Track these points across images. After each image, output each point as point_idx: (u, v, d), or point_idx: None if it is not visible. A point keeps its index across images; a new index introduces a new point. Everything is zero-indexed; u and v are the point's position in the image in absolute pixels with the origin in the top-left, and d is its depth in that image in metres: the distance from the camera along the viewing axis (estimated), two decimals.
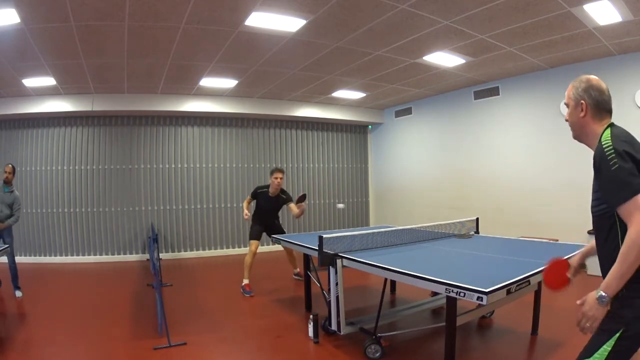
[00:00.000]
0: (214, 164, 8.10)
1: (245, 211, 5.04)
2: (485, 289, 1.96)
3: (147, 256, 7.26)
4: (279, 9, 3.85)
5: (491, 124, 6.87)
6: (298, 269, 5.57)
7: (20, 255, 6.70)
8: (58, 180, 7.26)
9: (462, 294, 2.05)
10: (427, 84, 6.90)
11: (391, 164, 9.11)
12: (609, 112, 1.52)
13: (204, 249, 7.96)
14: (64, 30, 4.11)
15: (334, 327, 3.14)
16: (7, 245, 4.25)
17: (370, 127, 9.67)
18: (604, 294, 1.34)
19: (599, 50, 5.07)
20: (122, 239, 7.47)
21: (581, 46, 4.93)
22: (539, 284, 3.19)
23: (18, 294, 4.81)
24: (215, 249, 8.04)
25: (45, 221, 7.19)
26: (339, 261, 3.04)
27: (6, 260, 4.83)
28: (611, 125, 1.49)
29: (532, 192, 6.18)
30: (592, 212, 1.51)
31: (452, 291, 2.10)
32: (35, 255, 7.11)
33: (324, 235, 3.22)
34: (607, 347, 1.34)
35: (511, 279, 2.13)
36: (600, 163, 1.40)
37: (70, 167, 7.30)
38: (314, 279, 3.99)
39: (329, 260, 3.06)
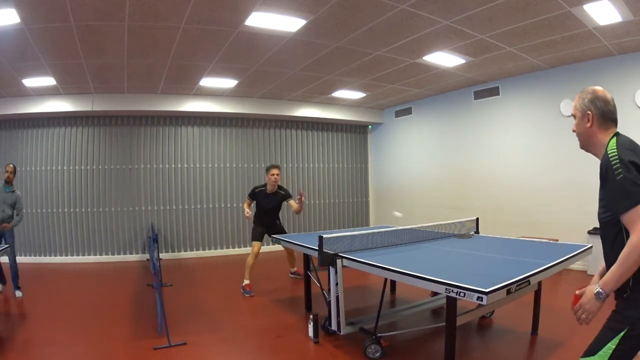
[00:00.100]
0: (214, 164, 8.10)
1: (247, 210, 5.02)
2: (485, 289, 1.97)
3: (147, 256, 7.26)
4: (279, 9, 3.85)
5: (491, 124, 6.87)
6: (296, 268, 5.58)
7: (21, 255, 6.69)
8: (58, 180, 7.26)
9: (462, 294, 2.05)
10: (427, 84, 6.90)
11: (391, 164, 9.11)
12: (614, 121, 1.58)
13: (204, 249, 7.96)
14: (64, 30, 4.11)
15: (334, 327, 3.14)
16: (7, 245, 4.26)
17: (370, 127, 9.67)
18: (601, 290, 1.40)
19: (599, 50, 5.07)
20: (122, 239, 7.47)
21: (581, 46, 4.93)
22: (539, 284, 3.20)
23: (18, 294, 4.81)
24: (215, 249, 8.04)
25: (45, 221, 7.20)
26: (339, 261, 3.04)
27: (7, 260, 4.84)
28: (617, 134, 1.55)
29: (532, 192, 6.18)
30: (599, 219, 1.57)
31: (452, 291, 2.10)
32: (35, 255, 7.11)
33: (324, 235, 3.21)
34: (611, 345, 1.39)
35: (511, 279, 2.13)
36: (606, 172, 1.46)
37: (70, 167, 7.30)
38: (314, 279, 3.99)
39: (329, 260, 3.06)
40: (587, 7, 3.81)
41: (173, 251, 7.74)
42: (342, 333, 3.12)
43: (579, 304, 1.47)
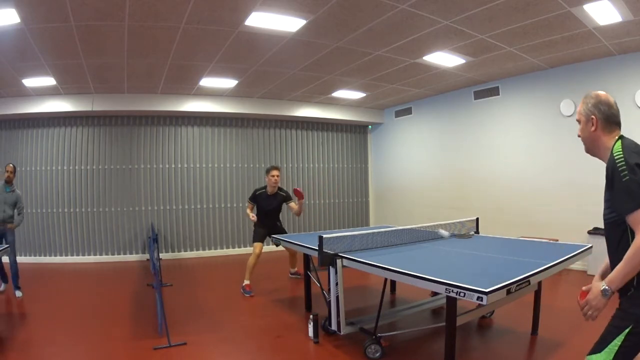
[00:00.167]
0: (214, 164, 8.10)
1: (251, 214, 5.01)
2: (485, 289, 1.96)
3: (147, 256, 7.27)
4: (279, 9, 3.85)
5: (491, 124, 6.87)
6: (296, 269, 5.59)
7: (21, 255, 6.69)
8: (58, 180, 7.26)
9: (462, 294, 2.05)
10: (427, 84, 6.90)
11: (391, 164, 9.12)
12: (618, 124, 1.61)
13: (204, 249, 7.96)
14: (64, 30, 4.11)
15: (334, 327, 3.14)
16: (7, 245, 4.27)
17: (370, 127, 9.67)
18: (607, 287, 1.44)
19: (599, 50, 5.07)
20: (122, 239, 7.47)
21: (581, 46, 4.93)
22: (539, 284, 3.20)
23: (18, 294, 4.81)
24: (215, 249, 8.04)
25: (45, 221, 7.20)
26: (339, 261, 3.03)
27: (7, 260, 4.85)
28: (621, 137, 1.59)
29: (532, 192, 6.18)
30: (604, 220, 1.60)
31: (452, 291, 2.10)
32: (35, 255, 7.11)
33: (324, 235, 3.21)
34: (617, 342, 1.43)
35: (511, 279, 2.13)
36: (612, 174, 1.49)
37: (70, 167, 7.30)
38: (314, 279, 3.99)
39: (329, 260, 3.06)
40: (587, 7, 3.81)
41: (173, 251, 7.74)
42: (342, 333, 3.12)
43: (585, 301, 1.51)
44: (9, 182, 4.88)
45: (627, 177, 1.43)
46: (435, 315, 3.97)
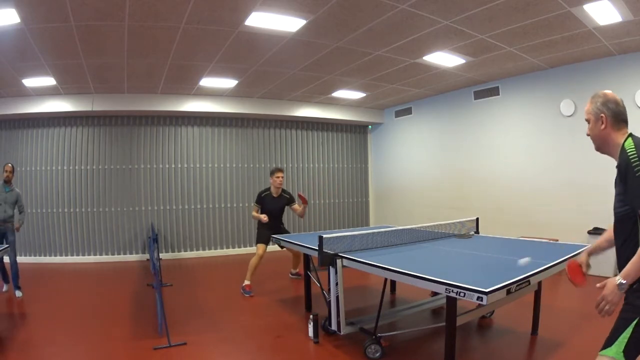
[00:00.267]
0: (214, 164, 8.10)
1: (262, 215, 4.97)
2: (485, 289, 1.97)
3: (147, 256, 7.27)
4: (279, 9, 3.85)
5: (491, 124, 6.87)
6: (297, 270, 5.59)
7: (21, 255, 6.69)
8: (58, 180, 7.26)
9: (462, 294, 2.05)
10: (427, 84, 6.90)
11: (391, 164, 9.11)
12: (625, 122, 1.67)
13: (204, 249, 7.96)
14: (64, 30, 4.11)
15: (334, 327, 3.14)
16: (7, 245, 4.27)
17: (370, 127, 9.67)
18: (623, 281, 1.49)
19: (599, 50, 5.07)
20: (122, 239, 7.47)
21: (581, 46, 4.93)
22: (539, 284, 3.20)
23: (18, 294, 4.81)
24: (215, 249, 8.04)
25: (45, 221, 7.20)
26: (339, 261, 3.04)
27: (8, 260, 4.86)
28: (631, 134, 1.64)
29: (532, 192, 6.18)
30: (615, 213, 1.65)
31: (452, 291, 2.10)
32: (35, 255, 7.12)
33: (324, 235, 3.22)
34: (625, 335, 1.48)
35: (511, 279, 2.13)
36: (626, 170, 1.55)
37: (70, 167, 7.30)
38: (314, 279, 3.99)
39: (329, 260, 3.06)
40: (587, 7, 3.81)
41: (173, 251, 7.74)
42: (342, 333, 3.12)
43: (601, 297, 1.53)
44: (7, 181, 4.89)
45: None
46: (435, 315, 3.97)
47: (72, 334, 3.57)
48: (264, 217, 4.94)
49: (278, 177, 5.01)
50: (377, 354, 2.96)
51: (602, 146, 1.71)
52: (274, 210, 5.08)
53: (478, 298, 1.96)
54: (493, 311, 3.72)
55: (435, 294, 3.84)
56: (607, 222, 5.26)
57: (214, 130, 8.12)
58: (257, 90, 7.16)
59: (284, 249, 4.79)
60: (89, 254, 7.30)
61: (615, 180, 1.64)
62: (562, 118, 5.80)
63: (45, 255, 7.15)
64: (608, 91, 1.69)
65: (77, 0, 3.51)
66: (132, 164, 7.56)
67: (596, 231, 5.17)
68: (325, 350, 3.18)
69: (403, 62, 5.60)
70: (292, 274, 5.75)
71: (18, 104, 6.66)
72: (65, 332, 3.62)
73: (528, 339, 3.29)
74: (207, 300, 4.67)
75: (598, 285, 1.59)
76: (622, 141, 1.61)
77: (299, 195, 5.04)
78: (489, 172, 6.87)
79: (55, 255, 7.19)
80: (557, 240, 4.85)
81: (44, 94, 6.62)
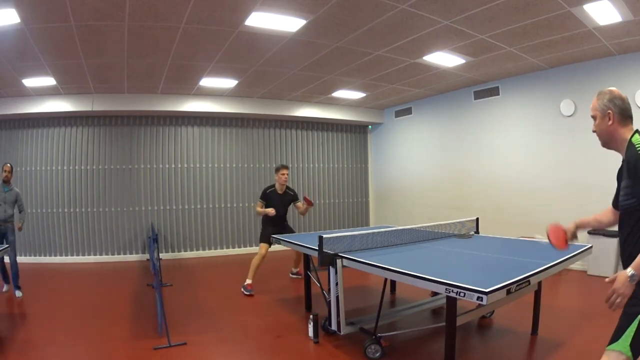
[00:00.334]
0: (214, 164, 8.10)
1: (268, 209, 4.96)
2: (485, 289, 1.97)
3: (147, 256, 7.27)
4: (279, 9, 3.85)
5: (491, 124, 6.87)
6: (298, 269, 5.59)
7: (21, 255, 6.69)
8: (58, 180, 7.26)
9: (462, 294, 2.05)
10: (427, 84, 6.90)
11: (391, 164, 9.11)
12: (630, 118, 1.70)
13: (204, 249, 7.96)
14: (64, 30, 4.11)
15: (334, 327, 3.14)
16: (7, 245, 4.27)
17: (370, 127, 9.67)
18: (635, 273, 1.50)
19: (599, 50, 5.07)
20: (122, 239, 7.47)
21: (581, 46, 4.93)
22: (539, 284, 3.20)
23: (18, 293, 4.81)
24: (215, 249, 8.04)
25: (45, 221, 7.20)
26: (339, 261, 3.03)
27: (8, 260, 4.86)
28: (637, 130, 1.68)
29: (532, 192, 6.18)
30: (621, 206, 1.69)
31: (452, 291, 2.10)
32: (35, 255, 7.11)
33: (324, 235, 3.21)
34: (632, 328, 1.51)
35: (511, 279, 2.13)
36: (635, 164, 1.58)
37: (70, 167, 7.30)
38: (314, 279, 3.99)
39: (329, 260, 3.06)
40: (587, 7, 3.81)
41: (173, 251, 7.74)
42: (342, 333, 3.12)
43: (612, 290, 1.53)
44: (6, 181, 4.90)
45: None
46: (435, 315, 3.97)
47: (72, 334, 3.57)
48: (272, 210, 4.95)
49: (283, 174, 5.07)
50: (377, 354, 2.96)
51: (609, 142, 1.73)
52: (278, 206, 5.11)
53: (478, 298, 1.96)
54: (493, 311, 3.72)
55: (435, 294, 3.84)
56: None
57: (214, 130, 8.12)
58: (257, 90, 7.16)
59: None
60: (89, 254, 7.30)
61: (621, 174, 1.68)
62: (562, 118, 5.80)
63: (45, 255, 7.15)
64: (613, 88, 1.72)
65: (77, 0, 3.51)
66: (132, 164, 7.56)
67: (596, 231, 5.17)
68: (325, 350, 3.18)
69: (403, 62, 5.60)
70: (292, 274, 5.75)
71: (18, 104, 6.66)
72: (65, 332, 3.62)
73: (528, 339, 3.29)
74: (207, 300, 4.67)
75: (607, 279, 1.61)
76: (629, 137, 1.65)
77: (305, 198, 5.10)
78: (489, 172, 6.87)
79: (55, 255, 7.19)
80: None
81: (44, 94, 6.62)
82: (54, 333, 3.59)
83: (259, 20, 4.08)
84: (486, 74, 6.31)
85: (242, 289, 4.87)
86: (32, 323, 3.90)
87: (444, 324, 2.50)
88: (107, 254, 7.38)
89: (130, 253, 7.50)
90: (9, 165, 4.99)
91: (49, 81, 5.91)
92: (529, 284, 2.25)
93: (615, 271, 1.46)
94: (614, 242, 4.97)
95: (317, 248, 3.13)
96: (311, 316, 3.39)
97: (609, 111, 1.68)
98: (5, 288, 5.04)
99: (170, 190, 7.76)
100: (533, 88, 6.20)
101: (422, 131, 8.26)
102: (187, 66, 5.63)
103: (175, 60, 5.28)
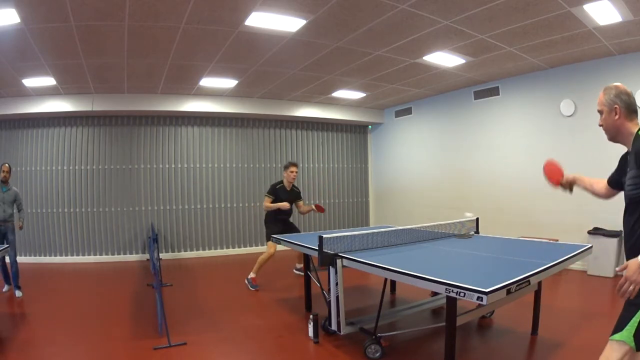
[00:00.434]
0: (214, 164, 8.10)
1: (281, 204, 5.00)
2: (485, 289, 1.96)
3: (147, 256, 7.27)
4: (279, 9, 3.85)
5: (491, 124, 6.87)
6: (302, 265, 5.59)
7: (21, 255, 6.68)
8: (58, 180, 7.26)
9: (462, 294, 2.05)
10: (427, 84, 6.90)
11: (391, 164, 9.12)
12: (636, 112, 1.75)
13: (204, 249, 7.96)
14: (64, 30, 4.11)
15: (334, 327, 3.14)
16: (7, 245, 4.27)
17: (370, 127, 9.67)
18: None
19: (599, 50, 5.07)
20: (122, 239, 7.47)
21: (581, 46, 4.93)
22: (539, 284, 3.20)
23: (18, 293, 4.81)
24: (215, 249, 8.04)
25: (45, 221, 7.20)
26: (339, 261, 3.03)
27: (8, 260, 4.86)
28: None
29: (532, 192, 6.17)
30: (627, 196, 1.73)
31: (452, 291, 2.10)
32: (35, 255, 7.12)
33: (324, 235, 3.21)
34: (636, 319, 1.52)
35: (511, 279, 2.13)
36: None
37: (70, 167, 7.30)
38: (314, 279, 3.99)
39: (329, 260, 3.06)
40: (587, 7, 3.81)
41: (173, 251, 7.74)
42: (342, 333, 3.12)
43: (624, 278, 1.53)
44: (5, 181, 4.90)
45: None
46: (435, 315, 3.97)
47: (72, 334, 3.57)
48: (286, 204, 5.00)
49: (292, 171, 5.18)
50: (377, 354, 2.96)
51: (615, 136, 1.78)
52: (286, 202, 5.14)
53: (478, 298, 1.96)
54: (493, 311, 3.72)
55: (435, 294, 3.84)
56: (607, 222, 5.27)
57: (214, 130, 8.12)
58: (257, 90, 7.16)
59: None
60: (89, 254, 7.30)
61: (625, 161, 1.76)
62: (562, 118, 5.79)
63: (45, 255, 7.15)
64: (619, 83, 1.77)
65: (77, 0, 3.51)
66: (132, 164, 7.56)
67: (596, 231, 5.17)
68: (325, 350, 3.18)
69: (403, 62, 5.60)
70: (296, 269, 5.77)
71: (18, 104, 6.66)
72: (65, 332, 3.62)
73: (528, 339, 3.29)
74: (207, 300, 4.67)
75: (617, 269, 1.63)
76: (636, 130, 1.70)
77: (317, 206, 5.25)
78: (489, 172, 6.87)
79: (55, 255, 7.19)
80: (557, 240, 4.85)
81: (44, 94, 6.62)
82: (54, 333, 3.59)
83: (259, 20, 4.08)
84: (486, 74, 6.31)
85: (247, 282, 4.88)
86: (32, 323, 3.90)
87: (444, 324, 2.49)
88: (107, 254, 7.38)
89: (130, 253, 7.50)
90: (7, 165, 4.99)
91: (49, 81, 5.90)
92: (529, 284, 2.25)
93: (617, 272, 1.48)
94: (614, 242, 4.97)
95: (317, 248, 3.12)
96: (311, 316, 3.39)
97: (616, 106, 1.72)
98: (5, 288, 5.04)
99: (170, 190, 7.76)
100: (533, 88, 6.20)
101: (422, 131, 8.26)
102: (187, 66, 5.63)
103: (175, 60, 5.28)
